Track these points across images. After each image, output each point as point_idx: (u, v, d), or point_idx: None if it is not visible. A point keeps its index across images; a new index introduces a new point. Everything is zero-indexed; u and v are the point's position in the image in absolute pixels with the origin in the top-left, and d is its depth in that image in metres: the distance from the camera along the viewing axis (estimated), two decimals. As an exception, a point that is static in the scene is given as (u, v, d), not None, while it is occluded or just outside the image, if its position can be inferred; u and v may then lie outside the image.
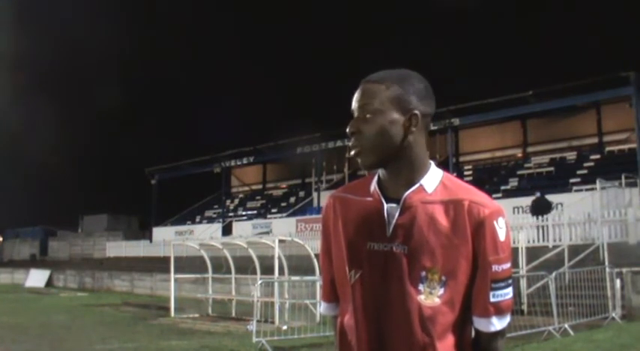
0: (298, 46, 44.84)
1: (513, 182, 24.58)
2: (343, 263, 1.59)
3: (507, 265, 1.53)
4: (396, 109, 1.55)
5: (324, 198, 1.64)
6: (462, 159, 28.57)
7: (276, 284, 13.16)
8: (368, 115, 1.55)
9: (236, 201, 37.31)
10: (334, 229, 1.64)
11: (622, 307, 11.98)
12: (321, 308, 1.79)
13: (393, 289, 1.50)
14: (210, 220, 34.58)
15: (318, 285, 11.95)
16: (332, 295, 1.69)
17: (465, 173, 26.42)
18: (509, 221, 1.57)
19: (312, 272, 12.80)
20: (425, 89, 1.60)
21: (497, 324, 1.52)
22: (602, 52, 30.64)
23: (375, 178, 1.62)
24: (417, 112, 1.56)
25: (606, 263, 13.17)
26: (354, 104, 1.60)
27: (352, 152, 1.59)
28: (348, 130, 1.59)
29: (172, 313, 14.77)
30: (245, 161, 32.51)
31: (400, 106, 1.55)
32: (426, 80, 1.62)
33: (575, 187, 20.87)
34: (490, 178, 26.05)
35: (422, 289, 1.49)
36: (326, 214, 1.68)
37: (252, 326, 10.23)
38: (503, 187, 24.16)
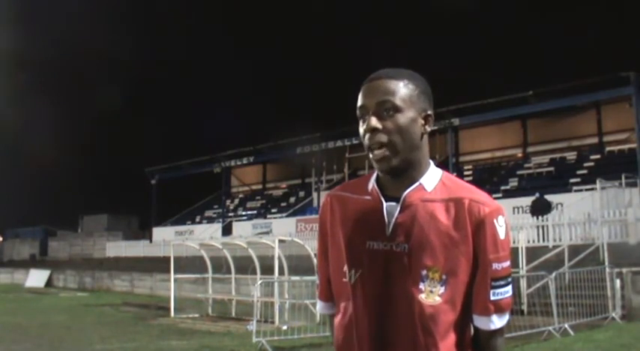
0: (298, 46, 44.86)
1: (513, 182, 24.58)
2: (340, 262, 1.58)
3: (507, 264, 1.53)
4: (414, 108, 1.53)
5: (324, 197, 1.64)
6: (462, 159, 28.56)
7: (276, 284, 13.16)
8: (389, 112, 1.50)
9: (236, 201, 37.30)
10: (331, 228, 1.63)
11: (622, 307, 11.97)
12: (318, 307, 1.78)
13: (393, 288, 1.50)
14: (210, 220, 34.58)
15: (317, 284, 11.92)
16: (329, 294, 1.69)
17: (465, 173, 26.41)
18: (509, 221, 1.57)
19: (312, 272, 12.78)
20: (430, 92, 1.60)
21: (497, 322, 1.52)
22: (602, 52, 30.64)
23: (374, 176, 1.61)
24: (430, 112, 1.56)
25: (606, 263, 13.15)
26: (367, 100, 1.53)
27: (374, 153, 1.50)
28: (366, 125, 1.51)
29: (172, 313, 14.76)
30: (245, 161, 32.50)
31: (417, 106, 1.53)
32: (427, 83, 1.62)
33: (575, 187, 20.85)
34: (490, 178, 26.05)
35: (423, 287, 1.49)
36: (323, 213, 1.67)
37: (252, 326, 10.22)
38: (503, 187, 24.15)
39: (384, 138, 1.49)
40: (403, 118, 1.50)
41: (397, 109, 1.50)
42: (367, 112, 1.52)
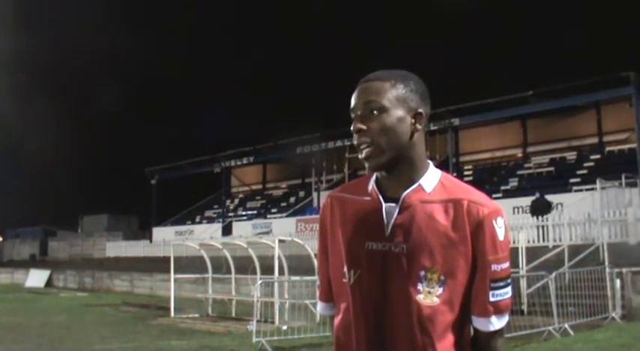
0: (298, 46, 44.86)
1: (513, 182, 24.57)
2: (340, 263, 1.59)
3: (506, 265, 1.53)
4: (402, 107, 1.54)
5: (324, 198, 1.67)
6: (462, 159, 28.54)
7: (276, 284, 13.15)
8: (375, 112, 1.52)
9: (236, 201, 37.30)
10: (331, 229, 1.64)
11: (622, 307, 11.97)
12: (319, 308, 1.78)
13: (392, 289, 1.50)
14: (210, 220, 34.57)
15: (317, 285, 11.92)
16: (329, 294, 1.69)
17: (465, 173, 26.40)
18: (509, 221, 1.57)
19: (312, 272, 12.78)
20: (425, 90, 1.60)
21: (497, 323, 1.52)
22: (602, 52, 30.66)
23: (373, 177, 1.61)
24: (421, 111, 1.56)
25: (606, 263, 13.15)
26: (356, 102, 1.56)
27: (362, 153, 1.53)
28: (353, 127, 1.54)
29: (172, 313, 14.75)
30: (245, 161, 32.51)
31: (406, 105, 1.54)
32: (422, 81, 1.62)
33: (575, 187, 20.85)
34: (490, 178, 26.04)
35: (421, 288, 1.49)
36: (323, 214, 1.68)
37: (252, 326, 10.22)
38: (503, 187, 24.14)
39: (369, 138, 1.52)
40: (389, 118, 1.52)
41: (383, 109, 1.52)
42: (356, 114, 1.55)
